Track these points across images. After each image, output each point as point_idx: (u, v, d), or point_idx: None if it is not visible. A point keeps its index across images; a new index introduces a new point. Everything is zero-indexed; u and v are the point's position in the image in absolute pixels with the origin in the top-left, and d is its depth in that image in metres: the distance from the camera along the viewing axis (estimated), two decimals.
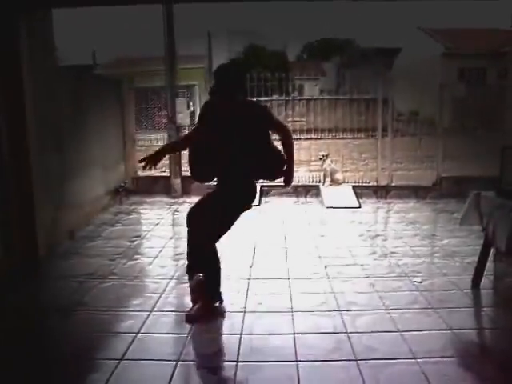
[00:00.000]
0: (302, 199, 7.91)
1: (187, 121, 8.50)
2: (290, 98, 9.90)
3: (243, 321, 3.49)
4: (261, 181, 7.79)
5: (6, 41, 4.52)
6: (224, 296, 3.78)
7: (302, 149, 9.60)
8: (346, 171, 9.18)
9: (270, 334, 3.32)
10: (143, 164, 3.44)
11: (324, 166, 8.29)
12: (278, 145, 3.49)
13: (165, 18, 7.94)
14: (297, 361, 2.92)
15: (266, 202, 7.71)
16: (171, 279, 4.32)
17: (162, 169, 8.69)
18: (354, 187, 7.97)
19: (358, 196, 7.71)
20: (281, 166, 3.48)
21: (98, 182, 6.95)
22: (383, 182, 8.05)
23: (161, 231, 6.03)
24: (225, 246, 5.24)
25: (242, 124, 3.33)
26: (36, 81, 4.88)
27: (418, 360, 2.89)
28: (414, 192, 7.86)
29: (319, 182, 8.31)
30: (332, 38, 49.80)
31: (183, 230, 6.31)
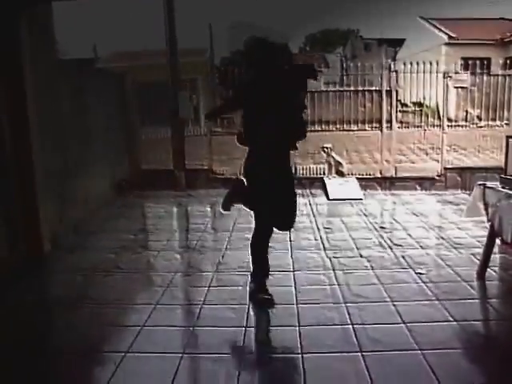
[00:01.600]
0: (306, 191, 7.89)
1: (190, 114, 8.47)
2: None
3: (247, 313, 3.50)
4: None
5: (6, 36, 4.50)
6: (227, 289, 3.79)
7: (306, 141, 9.56)
8: (351, 163, 9.15)
9: (274, 327, 3.32)
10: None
11: (328, 158, 8.27)
12: None
13: (166, 10, 7.90)
14: (302, 353, 2.92)
15: None
16: (176, 272, 4.33)
17: (166, 163, 8.69)
18: (358, 179, 7.95)
19: (363, 188, 7.69)
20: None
21: (102, 177, 6.96)
22: (387, 174, 8.03)
23: (165, 224, 6.04)
24: (228, 239, 5.27)
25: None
26: (37, 77, 4.86)
27: (423, 352, 2.88)
28: (419, 183, 7.83)
29: (323, 174, 8.29)
30: (334, 29, 49.60)
31: (187, 223, 6.36)
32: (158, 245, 5.15)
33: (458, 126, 9.60)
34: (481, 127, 9.43)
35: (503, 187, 3.74)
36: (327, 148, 8.29)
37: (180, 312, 3.66)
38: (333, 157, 8.29)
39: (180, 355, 2.93)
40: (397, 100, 8.22)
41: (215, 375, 2.77)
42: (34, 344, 3.13)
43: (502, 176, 3.91)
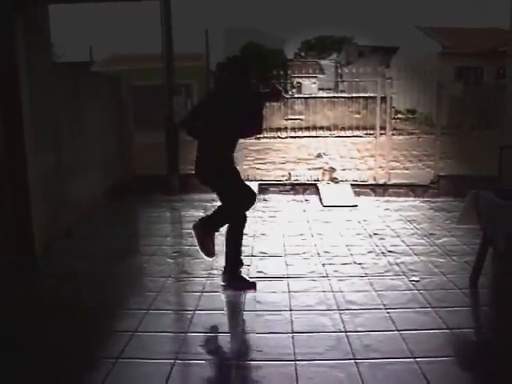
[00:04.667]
0: (299, 197, 7.90)
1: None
2: (289, 96, 9.91)
3: (241, 319, 3.48)
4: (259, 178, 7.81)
5: (1, 38, 4.48)
6: (221, 296, 3.78)
7: (301, 146, 9.62)
8: (344, 169, 9.18)
9: (268, 333, 3.31)
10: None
11: (322, 164, 8.29)
12: None
13: (162, 15, 7.90)
14: (295, 360, 2.91)
15: (263, 199, 7.70)
16: (168, 277, 4.31)
17: (160, 168, 8.66)
18: (351, 185, 7.97)
19: (356, 194, 7.71)
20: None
21: (95, 180, 6.92)
22: (381, 181, 8.05)
23: (158, 229, 6.01)
24: (221, 244, 5.25)
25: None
26: (32, 78, 4.84)
27: (417, 359, 2.88)
28: (412, 190, 7.85)
29: (317, 180, 8.30)
30: (330, 36, 49.89)
31: (180, 228, 6.34)
32: (151, 249, 5.12)
33: (452, 133, 9.68)
34: (474, 135, 9.50)
35: (496, 195, 3.75)
36: (322, 154, 8.33)
37: (172, 317, 3.64)
38: (326, 163, 8.32)
39: (172, 361, 2.91)
40: (391, 107, 8.25)
41: (208, 382, 2.76)
42: (23, 349, 3.10)
43: (496, 184, 3.93)
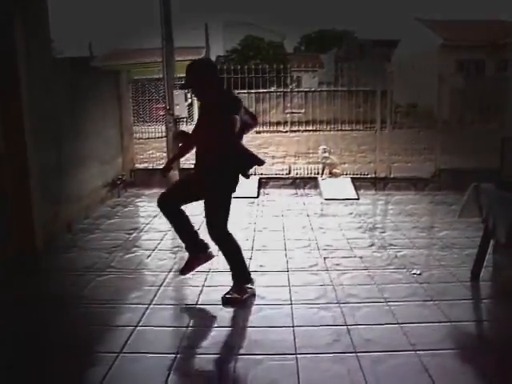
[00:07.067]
0: (300, 191, 7.89)
1: (185, 113, 8.45)
2: (288, 90, 9.86)
3: (242, 313, 3.48)
4: (259, 172, 7.81)
5: (0, 34, 4.45)
6: (221, 289, 3.78)
7: (300, 141, 9.60)
8: (345, 163, 9.15)
9: (269, 327, 3.31)
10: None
11: (324, 160, 8.26)
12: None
13: (162, 9, 7.86)
14: (296, 353, 2.91)
15: (264, 193, 7.69)
16: (170, 272, 4.31)
17: (160, 161, 8.66)
18: (352, 179, 7.96)
19: (357, 188, 7.69)
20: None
21: (96, 175, 6.91)
22: (381, 174, 8.03)
23: (159, 224, 5.99)
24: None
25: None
26: (32, 74, 4.82)
27: (418, 352, 2.88)
28: (413, 184, 7.84)
29: (317, 174, 8.28)
30: (330, 30, 49.63)
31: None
32: (152, 244, 5.12)
33: (453, 127, 9.64)
34: (475, 128, 9.47)
35: (498, 188, 3.74)
36: (325, 149, 8.29)
37: (174, 312, 3.64)
38: (329, 157, 8.29)
39: (174, 355, 2.91)
40: (391, 101, 8.21)
41: (209, 375, 2.76)
42: (25, 344, 3.10)
43: (497, 177, 3.92)
